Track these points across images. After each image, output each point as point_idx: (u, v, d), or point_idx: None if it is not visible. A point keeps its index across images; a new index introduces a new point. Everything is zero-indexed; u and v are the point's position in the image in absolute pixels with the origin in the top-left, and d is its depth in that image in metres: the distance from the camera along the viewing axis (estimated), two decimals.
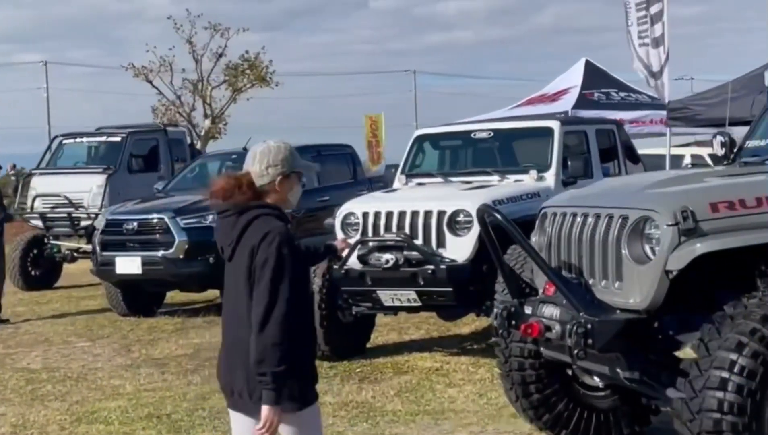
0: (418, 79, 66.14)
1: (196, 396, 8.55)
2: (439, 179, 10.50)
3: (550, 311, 5.68)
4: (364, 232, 9.39)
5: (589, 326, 5.25)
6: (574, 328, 5.27)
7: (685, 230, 5.11)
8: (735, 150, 6.75)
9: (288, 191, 3.99)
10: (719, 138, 6.76)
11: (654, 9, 14.37)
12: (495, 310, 6.09)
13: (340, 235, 9.47)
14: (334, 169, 14.16)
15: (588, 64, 18.37)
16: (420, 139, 11.17)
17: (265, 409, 3.75)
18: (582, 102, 16.99)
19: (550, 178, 10.10)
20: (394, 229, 9.28)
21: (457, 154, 11.26)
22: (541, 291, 5.95)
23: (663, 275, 5.17)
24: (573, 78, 18.13)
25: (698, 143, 28.54)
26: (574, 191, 6.39)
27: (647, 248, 5.30)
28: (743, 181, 5.55)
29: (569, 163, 10.13)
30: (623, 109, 16.93)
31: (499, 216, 5.71)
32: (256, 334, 3.74)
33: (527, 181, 10.03)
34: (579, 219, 5.80)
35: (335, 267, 9.28)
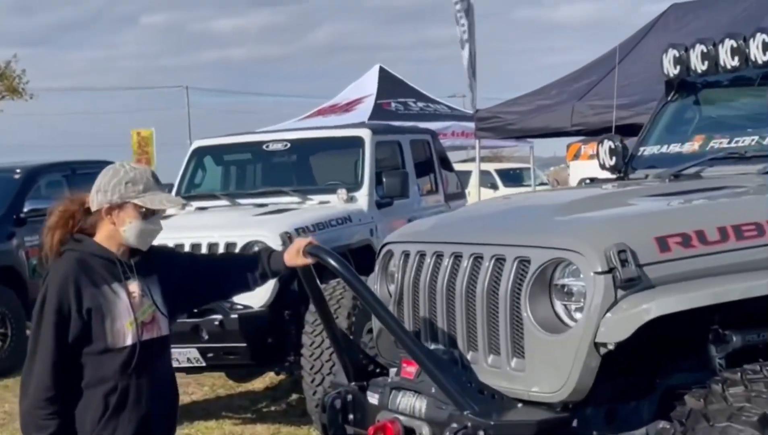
0: (192, 96, 63.46)
1: None
2: (225, 202, 8.44)
3: (411, 404, 3.77)
4: None
5: (483, 434, 3.35)
6: None
7: (625, 280, 3.32)
8: (626, 159, 5.10)
9: (121, 225, 3.37)
10: (608, 143, 5.09)
11: (463, 5, 12.93)
12: (325, 398, 4.11)
13: None
14: None
15: (382, 71, 16.79)
16: (199, 153, 9.07)
17: None
18: (378, 112, 15.36)
19: (362, 198, 8.32)
20: None
21: (245, 170, 9.25)
22: (394, 370, 3.99)
23: (591, 350, 3.36)
24: (367, 87, 16.48)
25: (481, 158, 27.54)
26: (433, 219, 4.50)
27: (562, 308, 3.49)
28: (694, 205, 3.83)
29: (384, 179, 8.35)
30: (423, 120, 15.41)
31: (330, 258, 3.72)
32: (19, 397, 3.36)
33: (334, 202, 8.18)
34: (447, 261, 3.91)
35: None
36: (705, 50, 4.82)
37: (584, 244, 3.40)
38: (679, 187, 4.06)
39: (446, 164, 10.55)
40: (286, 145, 8.78)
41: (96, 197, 3.38)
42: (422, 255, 4.07)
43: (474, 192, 20.47)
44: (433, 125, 15.36)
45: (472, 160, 23.61)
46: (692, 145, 4.87)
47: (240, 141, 9.24)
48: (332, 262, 3.66)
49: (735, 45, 4.66)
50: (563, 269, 3.49)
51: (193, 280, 3.59)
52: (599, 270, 3.34)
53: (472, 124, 16.14)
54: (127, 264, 3.39)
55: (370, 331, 7.07)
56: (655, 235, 3.41)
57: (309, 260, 3.61)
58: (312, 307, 6.91)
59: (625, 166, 5.07)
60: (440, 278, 3.91)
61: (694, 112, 5.12)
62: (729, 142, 4.66)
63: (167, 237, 7.38)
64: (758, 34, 4.55)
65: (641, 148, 5.10)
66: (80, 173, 11.76)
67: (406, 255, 4.19)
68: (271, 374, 9.02)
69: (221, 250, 7.19)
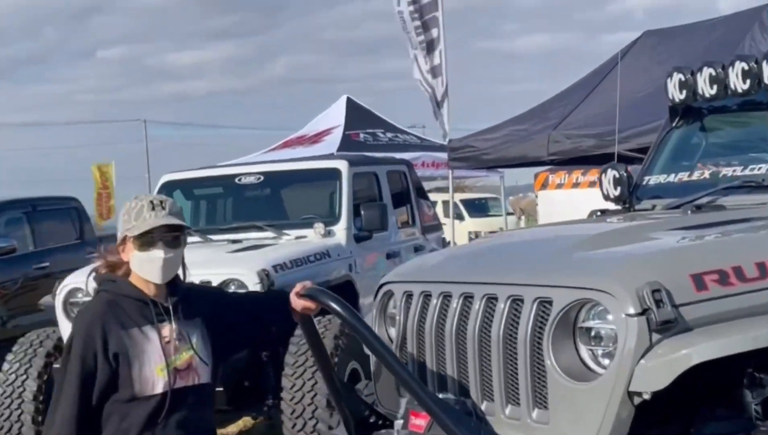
0: (150, 129, 62.82)
1: None
2: (197, 239, 8.06)
3: None
4: None
5: None
6: None
7: (661, 323, 3.02)
8: (631, 189, 4.83)
9: (134, 262, 3.16)
10: (612, 172, 4.81)
11: (430, 36, 12.71)
12: None
13: (63, 321, 6.83)
14: (55, 228, 11.30)
15: (350, 101, 16.50)
16: (168, 187, 8.67)
17: None
18: (347, 143, 15.07)
19: (341, 232, 7.99)
20: None
21: (217, 205, 8.88)
22: (400, 422, 3.65)
23: (624, 400, 3.05)
24: (335, 118, 16.18)
25: (438, 189, 27.47)
26: (437, 255, 4.18)
27: (588, 354, 3.18)
28: (728, 239, 3.55)
29: (362, 212, 8.04)
30: (392, 150, 15.12)
31: (330, 300, 3.40)
32: None
33: (312, 237, 7.84)
34: (456, 303, 3.60)
35: None
36: (713, 73, 4.57)
37: (614, 283, 3.10)
38: (704, 219, 3.78)
39: (422, 194, 10.29)
40: (259, 178, 8.45)
41: (118, 237, 3.23)
42: (427, 296, 3.76)
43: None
44: (402, 156, 15.14)
45: (437, 190, 23.33)
46: (702, 174, 4.61)
47: (211, 174, 8.88)
48: (333, 304, 3.35)
49: (747, 67, 4.41)
50: (589, 311, 3.20)
51: (239, 321, 3.33)
52: (632, 312, 3.04)
53: (442, 155, 15.91)
54: (162, 305, 3.15)
55: (353, 372, 6.78)
56: (690, 272, 3.12)
57: (310, 304, 3.32)
58: (291, 349, 6.58)
59: (630, 196, 4.80)
60: (449, 321, 3.60)
61: (701, 138, 4.87)
62: (743, 170, 4.40)
63: None
64: None
65: (646, 178, 4.84)
66: (41, 210, 11.34)
67: (409, 296, 3.87)
68: (246, 417, 8.64)
69: None
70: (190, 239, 8.05)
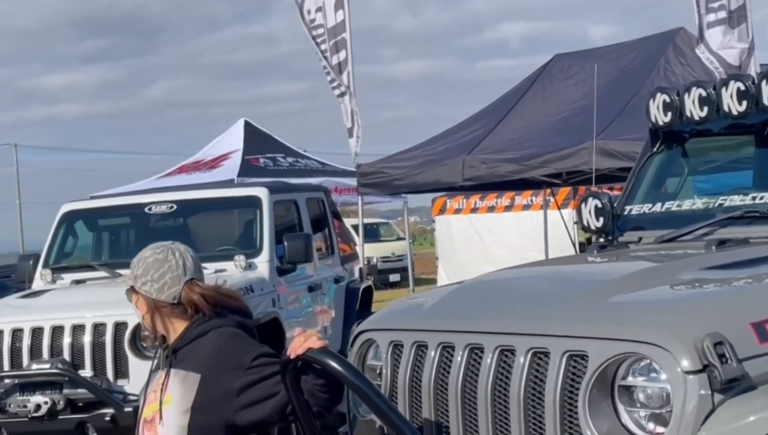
0: (21, 154, 60.72)
1: None
2: (104, 274, 7.36)
3: None
4: None
5: None
6: None
7: (727, 382, 2.58)
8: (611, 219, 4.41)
9: None
10: (593, 202, 4.38)
11: (339, 58, 12.23)
12: None
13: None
14: None
15: (248, 125, 15.88)
16: (69, 218, 7.96)
17: None
18: (247, 169, 14.44)
19: (263, 264, 7.44)
20: (46, 354, 6.26)
21: (124, 237, 8.18)
22: None
23: None
24: (233, 142, 15.52)
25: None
26: (429, 298, 3.63)
27: (631, 419, 2.72)
28: None
29: (285, 243, 7.48)
30: (293, 175, 14.53)
31: (333, 360, 2.79)
32: None
33: (232, 270, 7.25)
34: (460, 356, 3.09)
35: None
36: (704, 94, 4.20)
37: (668, 334, 2.65)
38: (735, 256, 3.36)
39: (339, 219, 9.81)
40: (171, 208, 7.80)
41: None
42: (422, 347, 3.25)
43: None
44: (305, 181, 14.61)
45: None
46: (692, 203, 4.23)
47: (118, 203, 8.20)
48: (335, 365, 2.73)
49: (743, 88, 4.06)
50: (629, 366, 2.74)
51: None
52: (691, 368, 2.59)
53: (344, 180, 15.44)
54: (165, 349, 2.94)
55: None
56: (750, 320, 2.70)
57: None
58: None
59: (611, 226, 4.39)
60: (453, 377, 3.09)
61: (685, 164, 4.50)
62: (742, 199, 4.03)
63: (40, 317, 6.34)
64: None
65: (627, 207, 4.43)
66: None
67: (397, 346, 3.35)
68: None
69: (109, 332, 6.23)
70: (93, 275, 7.41)
